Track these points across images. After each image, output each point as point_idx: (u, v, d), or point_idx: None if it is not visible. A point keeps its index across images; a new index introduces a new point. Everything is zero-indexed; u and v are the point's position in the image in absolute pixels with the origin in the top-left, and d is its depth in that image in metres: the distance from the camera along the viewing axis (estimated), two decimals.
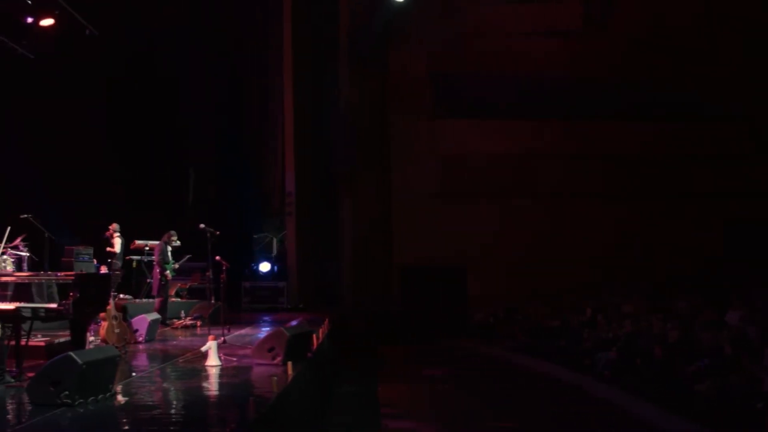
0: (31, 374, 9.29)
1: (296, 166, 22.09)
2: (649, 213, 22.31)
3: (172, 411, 8.08)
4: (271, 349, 10.47)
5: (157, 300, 16.06)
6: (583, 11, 22.90)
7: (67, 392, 7.61)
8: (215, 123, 23.44)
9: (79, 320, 9.09)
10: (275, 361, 10.40)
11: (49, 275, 9.53)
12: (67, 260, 16.45)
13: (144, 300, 17.17)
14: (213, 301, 12.46)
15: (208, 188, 23.35)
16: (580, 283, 21.06)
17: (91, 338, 11.97)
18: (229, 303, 17.88)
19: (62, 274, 9.78)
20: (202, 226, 12.49)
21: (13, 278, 9.46)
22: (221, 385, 9.43)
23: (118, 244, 17.74)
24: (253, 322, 17.53)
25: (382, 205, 22.39)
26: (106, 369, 8.16)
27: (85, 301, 8.90)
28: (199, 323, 16.26)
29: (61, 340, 11.51)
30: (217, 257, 12.63)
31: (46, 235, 15.35)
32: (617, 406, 12.78)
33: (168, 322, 15.76)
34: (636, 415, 12.09)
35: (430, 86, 22.87)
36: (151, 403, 8.30)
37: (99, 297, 9.41)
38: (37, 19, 16.90)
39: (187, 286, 18.37)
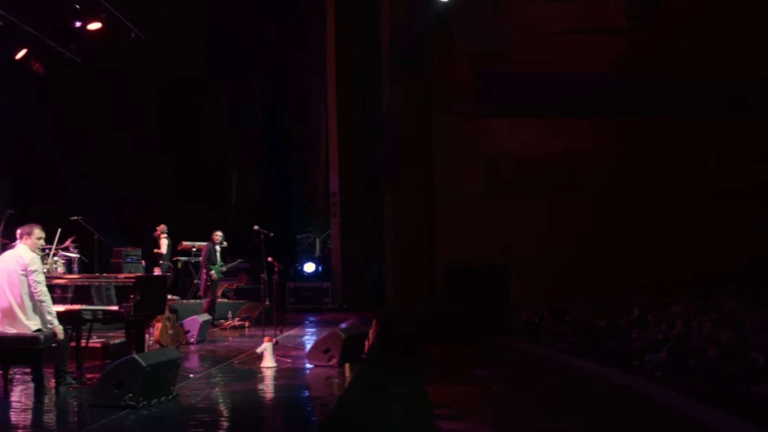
0: (90, 375, 9.40)
1: (340, 166, 22.12)
2: (695, 211, 22.05)
3: (236, 414, 8.09)
4: (326, 351, 10.49)
5: (204, 301, 16.16)
6: (626, 8, 22.66)
7: (131, 394, 7.66)
8: (259, 124, 23.55)
9: (139, 322, 9.15)
10: (331, 363, 10.41)
11: (108, 277, 9.56)
12: (115, 261, 16.63)
13: (191, 301, 17.27)
14: (267, 302, 12.46)
15: (252, 189, 23.45)
16: (626, 283, 20.89)
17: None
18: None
19: (122, 276, 9.85)
20: (256, 227, 12.53)
21: (74, 280, 9.49)
22: (280, 387, 9.44)
23: (164, 245, 17.91)
24: (300, 323, 17.58)
25: (425, 205, 22.34)
26: (168, 371, 8.21)
27: (145, 303, 8.95)
28: (247, 324, 16.35)
29: (116, 341, 11.63)
30: (269, 258, 12.66)
31: (96, 236, 15.50)
32: (670, 407, 12.63)
33: (216, 322, 15.84)
34: (690, 417, 11.95)
35: (472, 86, 22.79)
36: (212, 405, 8.33)
37: (158, 299, 9.46)
38: (85, 23, 17.03)
39: (234, 287, 18.45)
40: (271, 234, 12.82)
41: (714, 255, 21.26)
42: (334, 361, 10.40)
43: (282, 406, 8.55)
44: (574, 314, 20.56)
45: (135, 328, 9.22)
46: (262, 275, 12.44)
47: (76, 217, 15.22)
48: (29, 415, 7.77)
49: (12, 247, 15.55)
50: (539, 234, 22.06)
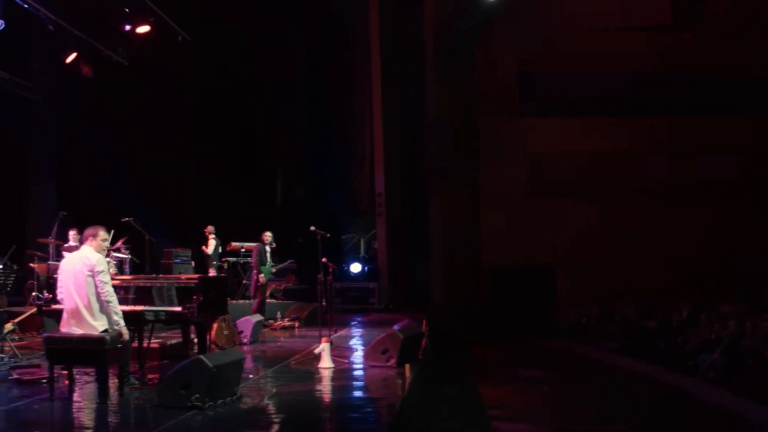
0: (151, 375, 9.48)
1: (386, 166, 22.11)
2: (745, 210, 21.79)
3: (301, 415, 8.11)
4: (384, 351, 10.49)
5: (254, 301, 16.23)
6: (671, 4, 22.49)
7: (197, 395, 7.71)
8: (303, 124, 23.63)
9: (202, 323, 9.21)
10: (389, 363, 10.42)
11: (170, 278, 9.65)
12: (165, 262, 16.77)
13: (240, 301, 17.36)
14: (323, 303, 12.50)
15: (296, 190, 23.54)
16: (674, 283, 20.69)
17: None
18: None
19: (185, 277, 9.93)
20: (312, 228, 12.56)
21: (135, 281, 9.57)
22: (341, 388, 9.47)
23: (211, 245, 18.03)
24: (349, 323, 17.60)
25: (471, 205, 22.26)
26: (232, 372, 8.26)
27: (208, 304, 9.01)
28: (297, 324, 16.41)
29: (173, 341, 11.72)
30: (324, 259, 12.69)
31: (147, 237, 15.64)
32: (726, 408, 12.48)
33: (266, 323, 15.91)
34: (747, 418, 11.80)
35: (517, 85, 22.67)
36: (276, 406, 8.36)
37: (219, 300, 9.52)
38: (134, 26, 17.15)
39: (282, 288, 18.51)
40: (328, 234, 12.85)
41: (765, 255, 20.98)
42: (393, 361, 10.40)
43: (346, 407, 8.55)
44: (622, 314, 20.39)
45: (197, 328, 9.29)
46: (318, 275, 12.45)
47: (127, 219, 15.35)
48: (97, 416, 7.85)
49: (68, 249, 15.85)
50: (585, 234, 21.89)
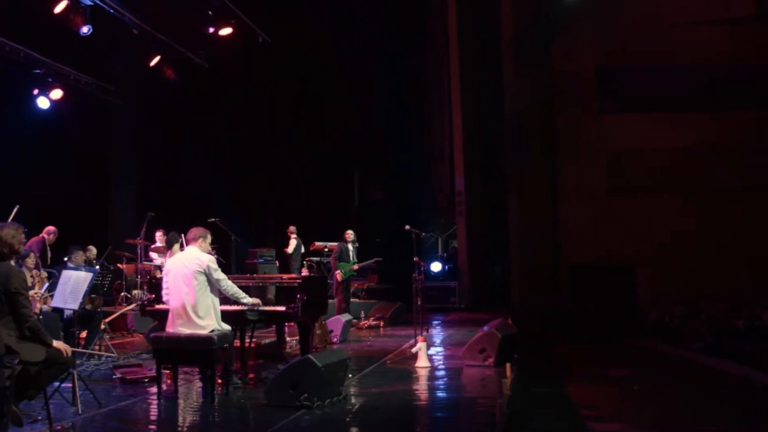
0: (251, 375, 9.54)
1: (465, 165, 22.06)
2: None
3: (408, 414, 8.10)
4: (482, 351, 10.44)
5: (336, 300, 16.27)
6: None
7: (306, 395, 7.73)
8: (380, 124, 23.67)
9: (305, 323, 9.25)
10: (486, 363, 10.37)
11: (273, 278, 9.72)
12: (250, 262, 16.92)
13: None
14: (419, 302, 12.48)
15: (375, 189, 23.59)
16: (761, 281, 20.25)
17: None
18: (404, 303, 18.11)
19: (287, 277, 9.97)
20: (407, 227, 12.56)
21: (236, 281, 9.62)
22: (442, 387, 9.44)
23: (292, 245, 18.14)
24: (431, 322, 17.56)
25: (550, 203, 22.04)
26: (338, 371, 8.27)
27: (311, 303, 9.05)
28: (381, 323, 16.42)
29: (267, 341, 11.81)
30: (416, 258, 12.67)
31: (233, 238, 15.74)
32: None
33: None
34: None
35: (596, 81, 22.37)
36: (382, 405, 8.33)
37: (321, 299, 9.56)
38: (217, 29, 17.34)
39: (365, 287, 18.55)
40: (423, 234, 12.83)
41: None
42: (490, 360, 10.35)
43: (452, 407, 8.54)
44: (708, 313, 20.04)
45: (300, 328, 9.34)
46: (413, 274, 12.46)
47: (213, 219, 15.48)
48: (209, 415, 7.91)
49: (155, 249, 16.07)
50: (667, 231, 21.50)
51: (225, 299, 8.86)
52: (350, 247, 16.30)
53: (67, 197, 18.66)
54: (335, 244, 16.88)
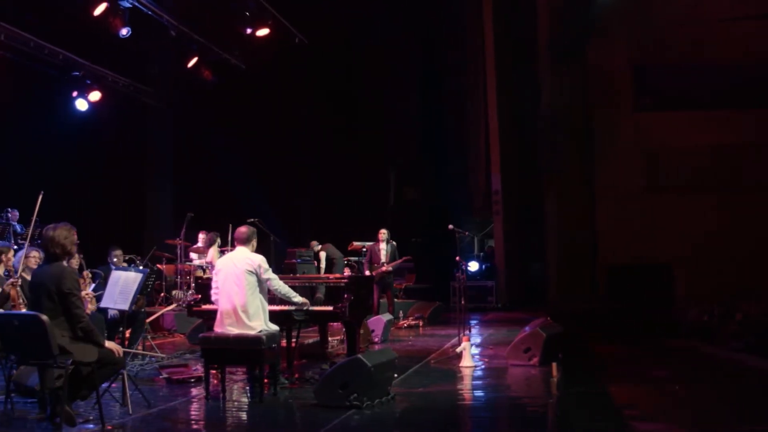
0: (297, 375, 9.56)
1: (502, 164, 22.00)
2: None
3: (457, 414, 8.09)
4: (527, 350, 10.40)
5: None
6: None
7: (355, 394, 7.73)
8: (416, 123, 23.67)
9: (352, 323, 9.25)
10: (531, 362, 10.33)
11: (320, 278, 9.74)
12: (289, 262, 16.91)
13: None
14: (462, 302, 12.45)
15: (410, 188, 23.58)
16: None
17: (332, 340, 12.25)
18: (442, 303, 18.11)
19: (333, 277, 9.99)
20: (451, 226, 12.53)
21: (287, 281, 9.64)
22: (489, 387, 9.43)
23: (323, 257, 18.06)
24: (469, 322, 17.48)
25: (587, 202, 21.88)
26: (387, 371, 8.27)
27: (358, 303, 9.05)
28: (421, 323, 16.41)
29: (310, 341, 11.83)
30: (457, 257, 12.64)
31: (272, 237, 15.78)
32: None
33: None
34: None
35: (632, 79, 22.20)
36: (430, 405, 8.32)
37: (368, 299, 9.55)
38: (255, 29, 17.38)
39: (402, 287, 18.54)
40: (466, 233, 12.80)
41: None
42: (535, 360, 10.31)
43: (500, 407, 8.51)
44: (746, 312, 19.84)
45: (347, 328, 9.35)
46: (457, 274, 12.42)
47: (252, 220, 15.50)
48: (259, 415, 7.93)
49: (196, 250, 16.14)
50: (704, 230, 21.27)
51: (272, 299, 8.88)
52: (383, 246, 16.20)
53: (103, 198, 18.80)
54: (372, 243, 16.87)
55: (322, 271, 17.34)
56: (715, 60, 21.64)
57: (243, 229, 8.69)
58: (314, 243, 17.63)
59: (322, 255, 17.84)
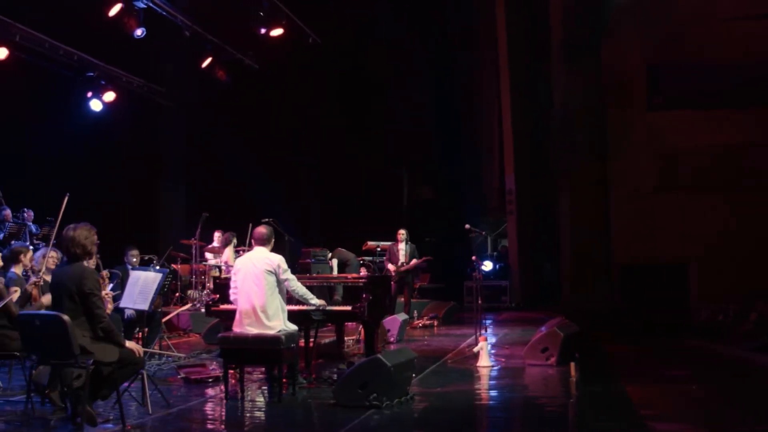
0: (314, 375, 9.56)
1: (515, 163, 21.99)
2: None
3: (477, 414, 8.09)
4: (544, 350, 10.40)
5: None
6: None
7: (375, 394, 7.74)
8: (429, 122, 23.66)
9: (370, 322, 9.25)
10: (549, 362, 10.33)
11: (337, 277, 9.76)
12: (304, 262, 16.87)
13: None
14: (480, 301, 12.45)
15: (423, 188, 23.57)
16: None
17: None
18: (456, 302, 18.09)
19: (351, 276, 9.98)
20: (467, 226, 12.54)
21: (304, 281, 9.64)
22: (507, 387, 9.43)
23: (334, 264, 18.01)
24: (485, 322, 17.46)
25: (600, 201, 21.87)
26: (406, 371, 8.27)
27: (377, 303, 9.06)
28: (436, 323, 16.40)
29: (326, 340, 11.83)
30: (474, 257, 12.64)
31: (286, 238, 15.78)
32: None
33: None
34: None
35: (645, 78, 22.17)
36: (449, 405, 8.32)
37: (386, 299, 9.56)
38: (269, 29, 17.39)
39: (417, 286, 18.54)
40: (483, 232, 12.80)
41: None
42: (553, 360, 10.31)
43: (519, 406, 8.51)
44: (760, 312, 19.78)
45: (365, 328, 9.37)
46: (474, 273, 12.43)
47: (267, 219, 15.52)
48: (279, 415, 7.94)
49: (211, 250, 16.16)
50: (718, 230, 21.22)
51: (290, 299, 8.88)
52: (402, 246, 16.23)
53: (117, 198, 18.80)
54: (388, 243, 16.86)
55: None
56: (729, 59, 21.58)
57: (262, 230, 8.69)
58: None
59: (334, 263, 17.80)
